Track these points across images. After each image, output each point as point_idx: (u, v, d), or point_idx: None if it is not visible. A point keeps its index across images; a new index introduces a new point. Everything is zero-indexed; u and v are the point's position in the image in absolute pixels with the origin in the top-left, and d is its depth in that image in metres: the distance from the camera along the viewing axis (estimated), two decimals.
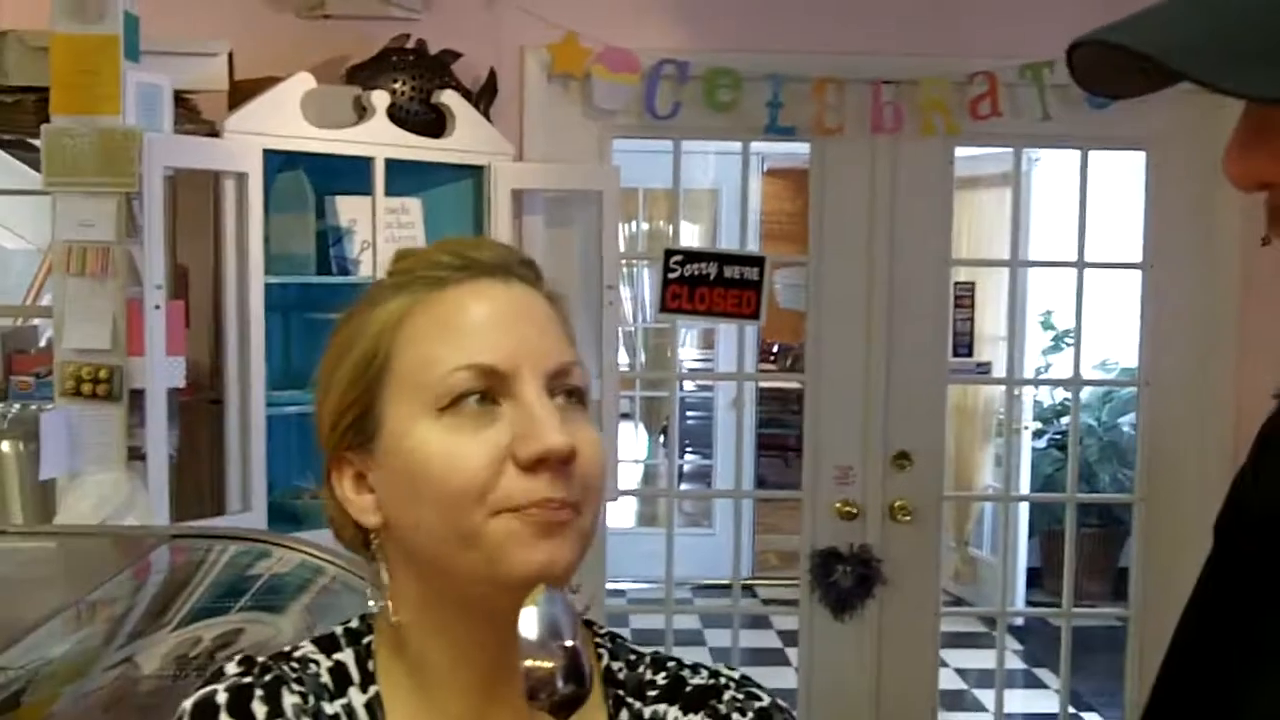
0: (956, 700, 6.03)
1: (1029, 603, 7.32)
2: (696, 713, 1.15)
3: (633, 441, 8.81)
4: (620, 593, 6.44)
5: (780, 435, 9.73)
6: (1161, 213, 4.31)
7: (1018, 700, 5.92)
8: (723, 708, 1.15)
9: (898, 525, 4.30)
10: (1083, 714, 5.68)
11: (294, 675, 1.11)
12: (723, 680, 1.18)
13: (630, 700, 1.16)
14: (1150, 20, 0.82)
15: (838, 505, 4.31)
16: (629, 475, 8.78)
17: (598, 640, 1.20)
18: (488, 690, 1.12)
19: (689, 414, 8.89)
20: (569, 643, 0.99)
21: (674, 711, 1.15)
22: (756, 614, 7.37)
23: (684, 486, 9.14)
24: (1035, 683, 6.53)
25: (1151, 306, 4.38)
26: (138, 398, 3.01)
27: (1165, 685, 1.04)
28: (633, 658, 1.19)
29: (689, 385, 9.18)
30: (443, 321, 1.10)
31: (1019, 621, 7.19)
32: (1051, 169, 6.51)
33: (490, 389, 1.07)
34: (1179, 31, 0.80)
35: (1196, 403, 4.29)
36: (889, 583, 4.31)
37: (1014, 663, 6.66)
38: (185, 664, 1.82)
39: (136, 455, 3.01)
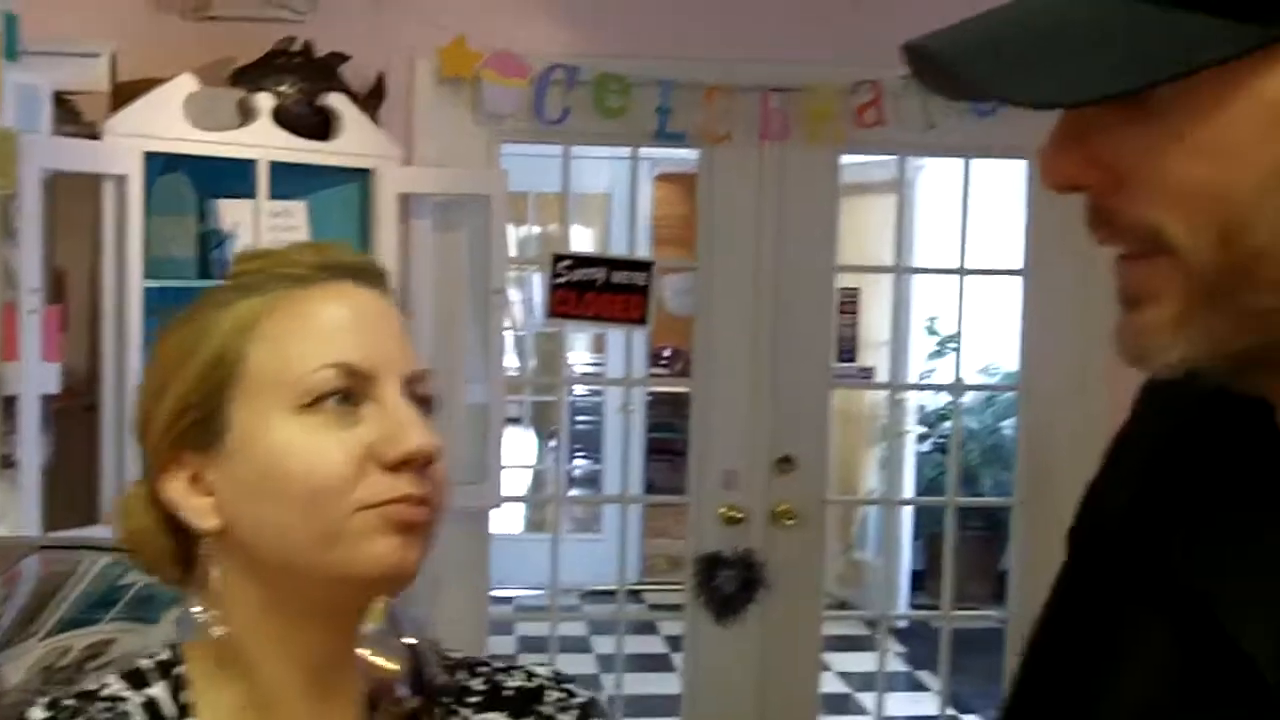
0: (839, 704, 6.08)
1: (913, 605, 7.37)
2: (522, 718, 1.17)
3: (522, 446, 8.77)
4: (506, 600, 6.40)
5: (671, 440, 9.72)
6: (1041, 220, 4.37)
7: (900, 703, 5.98)
8: (547, 709, 1.17)
9: (782, 529, 4.33)
10: (963, 715, 5.75)
11: (104, 716, 1.09)
12: (539, 681, 1.20)
13: (456, 708, 1.16)
14: (964, 26, 0.78)
15: (722, 510, 4.32)
16: (518, 480, 8.75)
17: None
18: (324, 697, 1.11)
19: (579, 418, 8.87)
20: (411, 641, 1.00)
21: (500, 719, 1.17)
22: (644, 620, 7.37)
23: (574, 491, 9.13)
24: (917, 685, 6.61)
25: (1031, 312, 4.45)
26: (11, 404, 2.96)
27: (1022, 689, 1.06)
28: (448, 663, 1.19)
29: (579, 389, 9.17)
30: (304, 320, 1.09)
31: (902, 624, 7.27)
32: (936, 176, 6.58)
33: (352, 389, 1.07)
34: (970, 35, 0.77)
35: (1074, 407, 4.34)
36: (772, 587, 4.33)
37: (897, 665, 6.73)
38: (53, 674, 1.79)
39: (8, 463, 2.96)
